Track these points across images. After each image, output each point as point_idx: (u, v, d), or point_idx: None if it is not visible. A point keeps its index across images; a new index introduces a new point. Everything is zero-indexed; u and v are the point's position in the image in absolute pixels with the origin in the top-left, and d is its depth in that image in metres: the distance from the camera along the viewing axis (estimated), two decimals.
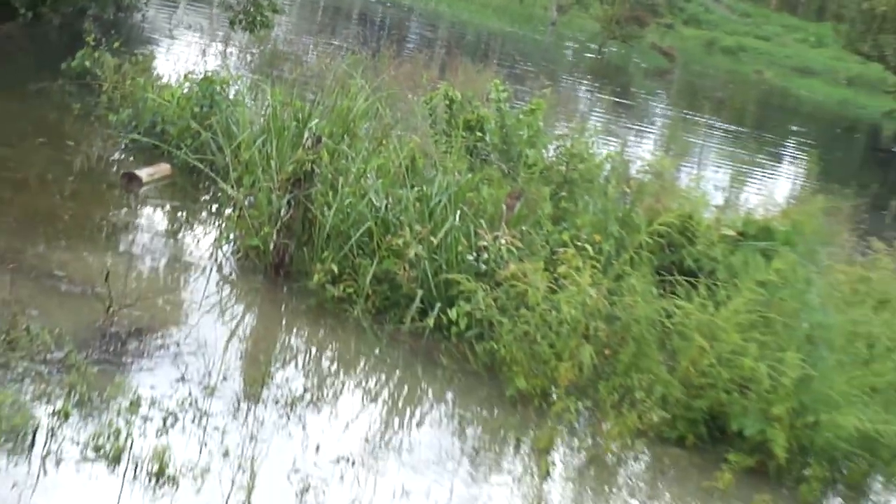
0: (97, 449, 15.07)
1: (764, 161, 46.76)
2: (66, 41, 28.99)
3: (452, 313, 20.79)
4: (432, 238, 21.41)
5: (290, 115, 24.13)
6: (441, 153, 23.50)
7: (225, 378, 18.24)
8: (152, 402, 16.60)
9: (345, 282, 21.30)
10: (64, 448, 14.95)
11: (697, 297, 21.43)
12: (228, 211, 22.98)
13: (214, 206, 23.56)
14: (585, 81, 47.66)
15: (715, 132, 53.40)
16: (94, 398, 16.05)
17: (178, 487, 15.02)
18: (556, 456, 19.23)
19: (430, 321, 20.91)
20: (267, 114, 24.55)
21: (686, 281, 22.24)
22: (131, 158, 25.01)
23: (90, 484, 14.61)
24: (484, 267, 21.32)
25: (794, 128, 60.04)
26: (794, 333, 20.83)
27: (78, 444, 15.11)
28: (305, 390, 18.88)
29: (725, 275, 22.48)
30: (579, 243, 21.62)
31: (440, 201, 22.18)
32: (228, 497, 15.19)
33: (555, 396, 19.95)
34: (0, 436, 14.59)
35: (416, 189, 22.31)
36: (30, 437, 14.81)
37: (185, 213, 23.86)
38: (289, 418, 17.72)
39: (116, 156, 25.12)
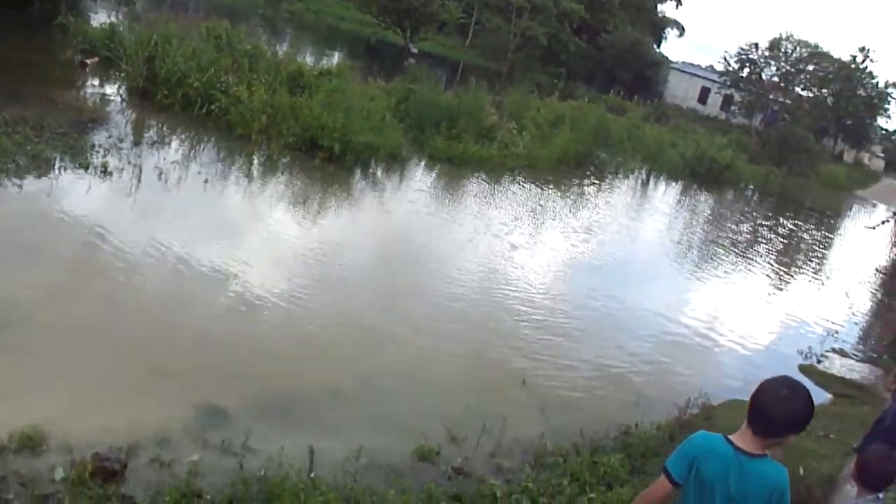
0: (79, 164, 14.82)
1: (328, 50, 45.26)
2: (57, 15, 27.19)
3: (213, 106, 20.52)
4: (203, 79, 20.97)
5: (143, 36, 22.98)
6: (207, 46, 22.68)
7: (127, 133, 17.94)
8: (99, 146, 16.21)
9: (170, 98, 20.77)
10: (67, 165, 14.65)
11: (303, 97, 21.36)
12: (123, 74, 22.08)
13: (118, 73, 22.46)
14: (258, 25, 45.92)
15: (309, 40, 51.58)
16: (76, 145, 15.63)
17: (112, 175, 14.90)
18: (255, 157, 19.24)
19: (205, 109, 20.56)
20: (136, 37, 23.36)
21: (301, 91, 22.02)
22: (83, 55, 23.71)
23: (78, 178, 14.36)
24: (224, 87, 20.85)
25: (338, 42, 57.55)
26: (340, 108, 21.06)
27: (72, 163, 14.79)
28: (157, 139, 18.64)
29: (315, 87, 22.33)
30: (262, 79, 21.42)
31: (209, 66, 21.54)
32: (132, 177, 15.15)
33: (253, 135, 19.87)
34: (40, 161, 14.28)
35: (196, 61, 21.55)
36: (52, 162, 14.49)
37: (106, 75, 22.78)
38: (146, 148, 17.51)
39: (79, 55, 23.78)
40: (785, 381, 4.24)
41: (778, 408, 4.09)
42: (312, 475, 7.23)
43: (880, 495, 5.43)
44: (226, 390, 8.77)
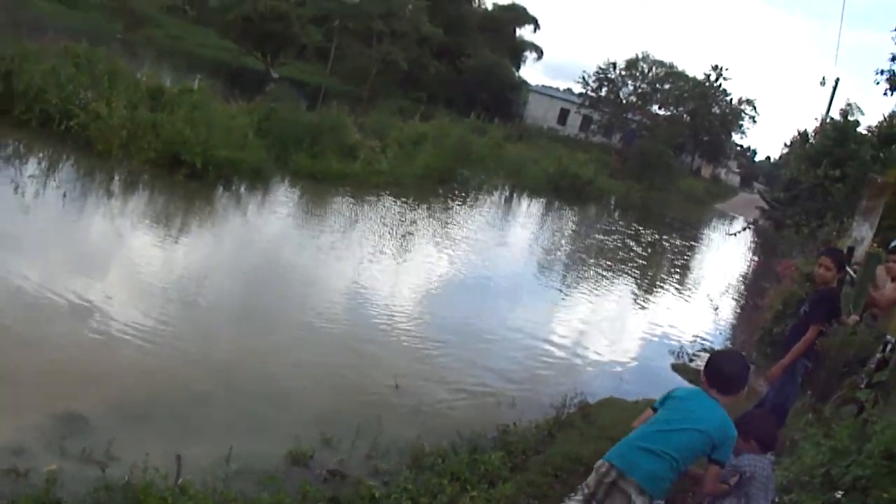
0: None
1: (188, 75, 42.30)
2: None
3: (72, 122, 19.84)
4: (62, 95, 20.30)
5: None
6: (66, 64, 21.76)
7: None
8: None
9: (28, 114, 19.97)
10: None
11: (164, 113, 20.83)
12: None
13: None
14: (117, 50, 43.10)
15: (169, 65, 49.71)
16: None
17: None
18: (116, 173, 18.71)
19: (64, 126, 19.84)
20: None
21: (162, 108, 21.46)
22: None
23: None
24: (84, 104, 20.13)
25: (199, 67, 55.00)
26: (202, 124, 20.73)
27: None
28: (13, 155, 17.86)
29: (176, 104, 21.78)
30: (121, 96, 20.83)
31: (67, 82, 20.92)
32: None
33: (114, 151, 19.28)
34: None
35: (54, 77, 20.75)
36: None
37: None
38: (1, 163, 16.70)
39: None
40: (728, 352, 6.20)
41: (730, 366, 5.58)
42: (180, 481, 6.95)
43: (769, 455, 5.79)
44: (85, 399, 8.38)
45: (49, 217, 15.01)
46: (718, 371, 5.42)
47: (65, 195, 15.95)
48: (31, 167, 17.40)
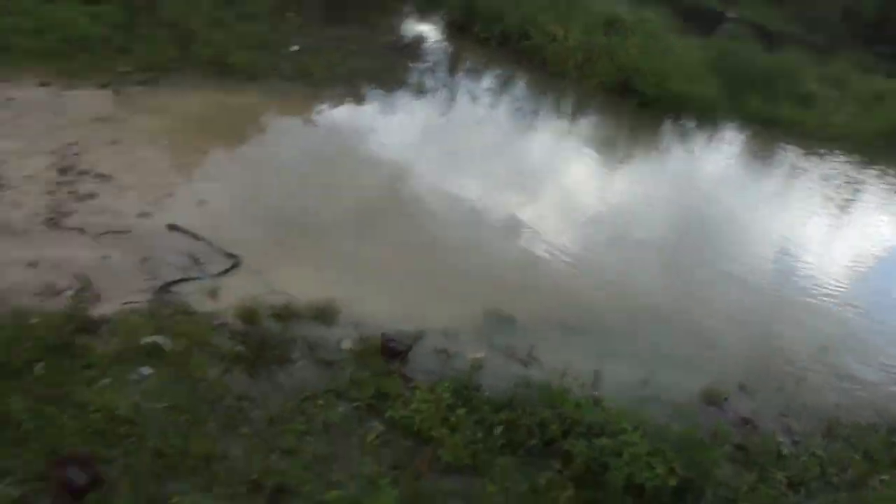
0: (396, 81, 15.25)
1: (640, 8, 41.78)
2: None
3: (528, 42, 20.10)
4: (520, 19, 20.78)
5: None
6: None
7: (442, 61, 18.30)
8: (416, 68, 16.68)
9: (486, 33, 20.49)
10: (385, 80, 15.05)
11: (618, 38, 20.65)
12: (442, 9, 22.03)
13: (437, 7, 22.10)
14: None
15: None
16: (393, 66, 16.25)
17: (427, 95, 15.48)
18: (568, 94, 18.94)
19: (520, 45, 20.12)
20: None
21: (616, 35, 21.27)
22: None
23: (394, 93, 14.95)
24: (541, 27, 20.30)
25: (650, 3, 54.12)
26: (657, 53, 20.40)
27: (390, 79, 15.12)
28: (472, 68, 18.86)
29: (631, 30, 21.39)
30: (578, 20, 21.01)
31: (526, 3, 21.27)
32: (447, 98, 15.64)
33: (568, 72, 19.39)
34: (360, 73, 14.65)
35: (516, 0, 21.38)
36: (372, 75, 14.83)
37: (426, 9, 22.47)
38: (461, 76, 17.86)
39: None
40: None
41: None
42: (596, 393, 7.22)
43: None
44: (515, 304, 8.83)
45: (501, 127, 15.74)
46: None
47: (518, 110, 16.57)
48: (487, 81, 18.19)
